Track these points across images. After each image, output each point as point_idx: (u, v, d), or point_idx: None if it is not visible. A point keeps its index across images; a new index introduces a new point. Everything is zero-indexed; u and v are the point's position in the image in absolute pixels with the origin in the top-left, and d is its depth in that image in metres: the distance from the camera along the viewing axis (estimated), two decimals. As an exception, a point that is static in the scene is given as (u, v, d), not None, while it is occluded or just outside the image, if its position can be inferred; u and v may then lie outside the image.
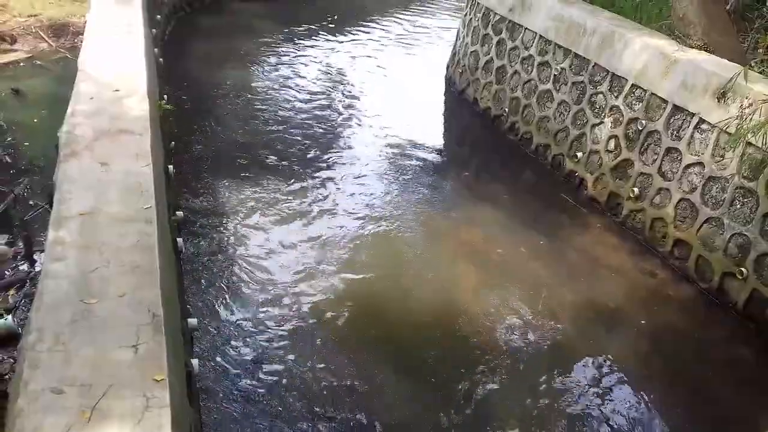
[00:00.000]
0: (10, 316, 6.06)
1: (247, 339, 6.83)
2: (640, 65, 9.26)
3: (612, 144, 9.72)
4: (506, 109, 12.13)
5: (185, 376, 4.00)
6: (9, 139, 9.76)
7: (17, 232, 7.54)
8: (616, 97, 9.68)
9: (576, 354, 7.26)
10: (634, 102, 9.40)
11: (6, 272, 6.86)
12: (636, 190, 9.21)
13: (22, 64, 12.29)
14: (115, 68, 7.24)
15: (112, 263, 3.97)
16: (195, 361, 4.21)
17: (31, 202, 8.26)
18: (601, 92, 9.97)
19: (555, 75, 10.92)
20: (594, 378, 7.01)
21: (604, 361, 7.20)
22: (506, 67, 12.20)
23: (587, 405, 6.62)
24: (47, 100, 11.04)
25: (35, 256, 7.04)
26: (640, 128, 9.22)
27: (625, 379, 7.01)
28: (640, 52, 9.30)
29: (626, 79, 9.51)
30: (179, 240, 5.94)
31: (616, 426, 6.40)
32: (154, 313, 3.59)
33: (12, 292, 6.74)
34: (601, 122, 9.93)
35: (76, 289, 3.72)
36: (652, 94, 9.04)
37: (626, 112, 9.47)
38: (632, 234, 9.30)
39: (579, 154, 10.31)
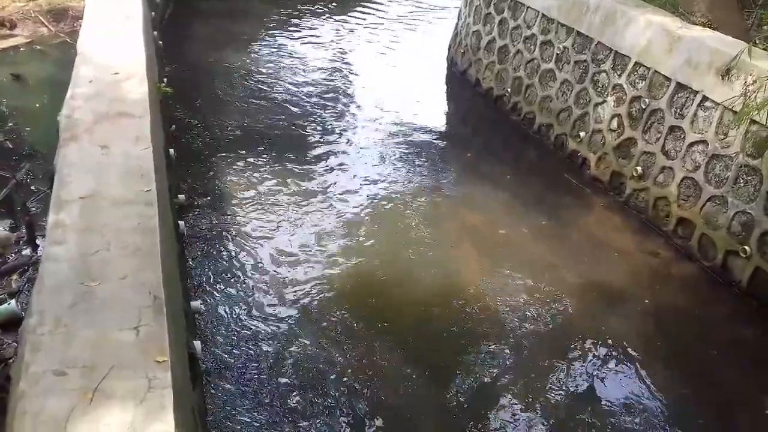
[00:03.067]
0: (13, 301, 6.08)
1: (248, 320, 6.84)
2: (643, 43, 9.17)
3: (615, 123, 9.66)
4: (508, 89, 12.06)
5: (187, 358, 4.00)
6: (10, 124, 9.74)
7: (19, 217, 7.55)
8: (619, 76, 9.60)
9: (579, 335, 7.25)
10: (637, 80, 9.32)
11: (9, 257, 6.89)
12: (639, 169, 9.16)
13: (22, 49, 12.25)
14: (114, 51, 7.20)
15: (112, 246, 3.96)
16: (197, 343, 4.21)
17: (33, 188, 8.25)
18: (604, 71, 9.89)
19: (557, 54, 10.83)
20: (596, 359, 7.00)
21: (607, 341, 7.18)
22: (508, 46, 12.10)
23: (589, 386, 6.60)
24: (48, 84, 11.01)
25: (38, 241, 7.07)
26: (644, 107, 9.15)
27: (628, 359, 6.99)
28: (643, 30, 9.21)
29: (629, 57, 9.42)
30: (181, 223, 5.94)
31: (618, 407, 6.39)
32: (156, 295, 3.59)
33: (15, 276, 6.76)
34: (604, 101, 9.86)
35: (76, 271, 3.72)
36: (656, 72, 8.96)
37: (629, 90, 9.40)
38: (635, 213, 9.26)
39: (582, 134, 10.25)
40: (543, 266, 8.18)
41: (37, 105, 10.43)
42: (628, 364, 6.94)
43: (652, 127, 9.06)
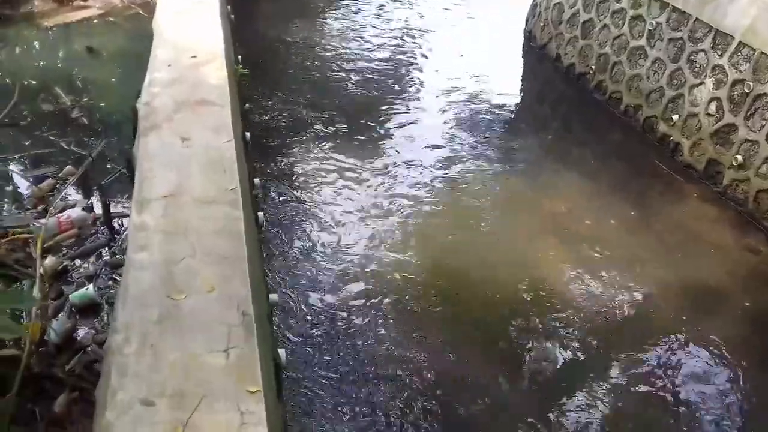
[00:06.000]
0: (91, 286, 6.01)
1: (320, 302, 6.66)
2: (748, 21, 8.44)
3: (713, 107, 8.97)
4: (593, 67, 11.40)
5: (275, 374, 3.77)
6: (85, 99, 9.69)
7: (96, 197, 7.48)
8: (720, 56, 8.89)
9: (670, 336, 6.81)
10: (740, 62, 8.60)
11: (86, 239, 6.83)
12: (739, 157, 8.50)
13: (95, 21, 12.20)
14: (192, 31, 6.96)
15: (198, 252, 3.73)
16: (282, 352, 3.97)
17: (108, 166, 8.18)
18: (702, 50, 9.17)
19: (649, 30, 10.12)
20: (689, 364, 6.55)
21: (701, 343, 6.72)
22: (594, 20, 11.41)
23: (679, 390, 6.19)
24: (121, 57, 10.94)
25: (114, 222, 6.99)
26: (747, 91, 8.44)
27: (723, 364, 6.52)
28: (748, 7, 8.47)
29: (732, 37, 8.69)
30: (260, 214, 5.70)
31: (710, 413, 5.96)
32: (244, 311, 3.34)
33: (92, 259, 6.71)
34: (702, 83, 9.17)
35: (161, 281, 3.50)
36: (762, 53, 8.24)
37: (731, 72, 8.68)
38: (733, 205, 8.63)
39: (674, 117, 9.59)
40: (632, 261, 7.70)
41: (113, 79, 10.37)
42: (723, 369, 6.47)
43: (756, 113, 8.36)
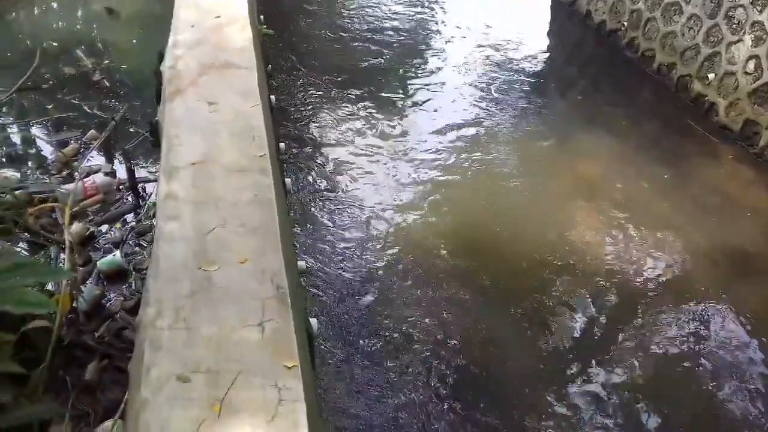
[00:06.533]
0: (118, 252, 5.96)
1: (345, 265, 6.57)
2: (791, -26, 8.06)
3: (752, 65, 8.64)
4: (624, 23, 11.04)
5: (308, 344, 3.69)
6: (106, 62, 9.56)
7: (120, 161, 7.41)
8: (760, 12, 8.53)
9: (705, 302, 6.67)
10: (781, 17, 8.24)
11: (111, 204, 6.77)
12: (778, 118, 8.21)
13: (114, -19, 11.94)
14: (214, -10, 6.74)
15: (229, 222, 3.62)
16: (314, 321, 3.89)
17: (131, 130, 8.09)
18: (742, 5, 8.81)
19: (685, -15, 9.74)
20: (726, 329, 6.41)
21: (739, 310, 6.54)
22: (626, -25, 11.01)
23: (714, 356, 6.07)
24: (141, 18, 10.77)
25: (138, 188, 6.92)
26: (788, 48, 8.11)
27: (760, 332, 6.35)
28: (792, -42, 8.08)
29: (773, -9, 8.32)
30: (288, 181, 5.59)
31: (744, 381, 5.83)
32: (279, 284, 3.24)
33: (118, 225, 6.66)
34: (740, 40, 8.82)
35: (193, 253, 3.40)
36: (806, 8, 7.88)
37: (771, 28, 8.34)
38: (771, 167, 8.37)
39: (710, 76, 9.27)
40: (666, 225, 7.52)
41: (133, 41, 10.21)
42: (761, 334, 6.30)
43: (797, 71, 8.04)
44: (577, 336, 6.15)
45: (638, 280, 6.78)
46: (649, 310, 6.50)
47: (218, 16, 6.05)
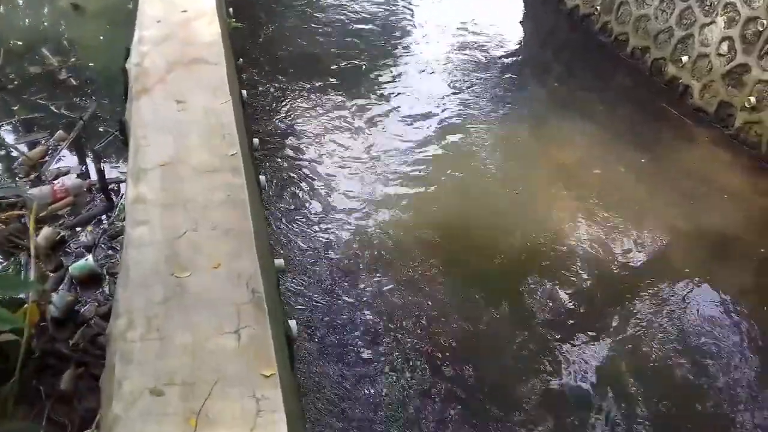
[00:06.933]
0: (90, 256, 5.82)
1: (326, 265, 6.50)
2: (762, -46, 8.05)
3: (725, 47, 8.65)
4: (597, 7, 11.01)
5: (287, 346, 3.60)
6: (73, 59, 9.34)
7: (90, 162, 7.24)
8: (732, -7, 8.52)
9: (686, 285, 6.66)
10: (753, -2, 8.24)
11: (82, 207, 6.62)
12: (753, 99, 8.23)
13: (79, -24, 11.67)
14: (180, -17, 6.57)
15: (201, 225, 3.51)
16: (293, 323, 3.79)
17: (100, 129, 7.91)
18: (714, -14, 8.80)
19: (657, -33, 9.71)
20: (705, 309, 6.40)
21: (718, 292, 6.57)
22: (598, -41, 10.96)
23: (691, 338, 6.07)
24: (108, 13, 10.55)
25: (110, 189, 6.76)
26: (761, 29, 8.11)
27: (740, 312, 6.38)
28: (762, -62, 8.07)
29: (745, -29, 8.32)
30: (262, 178, 5.47)
31: (721, 363, 5.84)
32: (254, 288, 3.14)
33: (90, 228, 6.50)
34: (713, 22, 8.82)
35: (164, 258, 3.29)
36: (777, -12, 7.89)
37: (743, 10, 8.33)
38: (747, 149, 8.40)
39: (684, 59, 9.27)
40: (644, 210, 7.51)
41: (100, 37, 9.99)
42: (740, 317, 6.33)
43: (770, 52, 8.05)
44: (554, 320, 6.12)
45: (616, 264, 6.76)
46: (627, 293, 6.47)
47: (185, 11, 5.89)
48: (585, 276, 6.64)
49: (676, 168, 8.17)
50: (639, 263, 6.81)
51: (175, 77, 4.90)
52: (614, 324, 6.17)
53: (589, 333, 6.02)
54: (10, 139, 7.68)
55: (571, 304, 6.30)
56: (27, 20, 10.53)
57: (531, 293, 6.39)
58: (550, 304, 6.27)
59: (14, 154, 7.42)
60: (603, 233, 7.11)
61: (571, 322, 6.13)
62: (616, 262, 6.81)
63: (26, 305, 3.81)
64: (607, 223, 7.25)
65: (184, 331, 2.91)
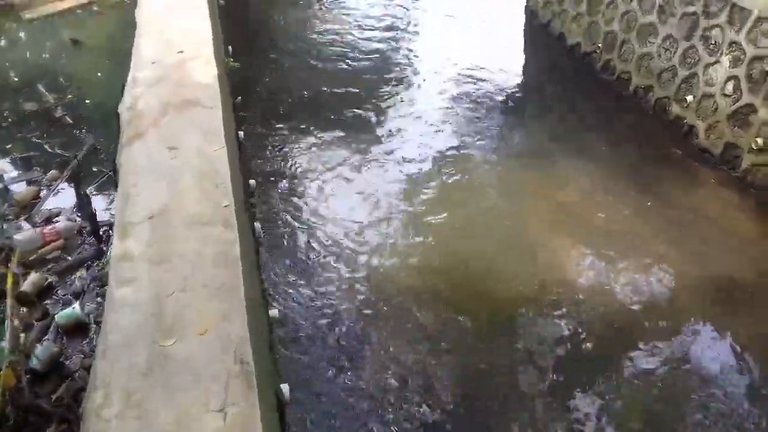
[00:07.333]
0: (77, 304, 5.58)
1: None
2: (769, -6, 7.96)
3: (730, 86, 8.51)
4: (599, 45, 10.91)
5: (277, 410, 3.36)
6: (69, 95, 9.20)
7: (82, 203, 7.04)
8: (737, 32, 8.40)
9: (697, 337, 6.41)
10: (759, 37, 8.11)
11: (73, 250, 6.41)
12: (759, 140, 8.06)
13: (79, 11, 11.67)
14: (177, 22, 6.47)
15: (189, 284, 3.30)
16: (285, 387, 3.57)
17: (94, 169, 7.72)
18: (718, 25, 8.68)
19: (660, 5, 9.62)
20: (710, 359, 6.18)
21: (727, 345, 6.32)
22: (600, -4, 10.90)
23: (695, 386, 5.86)
24: (107, 49, 10.42)
25: (101, 232, 6.56)
26: (767, 68, 7.97)
27: (747, 362, 6.13)
28: (769, -21, 7.98)
29: (750, 11, 8.20)
30: (257, 225, 5.26)
31: (727, 414, 5.60)
32: (243, 358, 2.92)
33: (80, 273, 6.29)
34: (717, 61, 8.69)
35: (148, 322, 3.07)
36: (784, 28, 7.77)
37: (749, 49, 8.20)
38: (755, 192, 8.20)
39: (688, 98, 9.13)
40: (651, 256, 7.29)
41: (98, 74, 9.87)
42: (747, 363, 6.08)
43: (777, 93, 7.91)
44: (556, 366, 5.89)
45: (621, 309, 6.54)
46: (632, 338, 6.25)
47: (181, 51, 5.75)
48: (589, 321, 6.42)
49: (681, 210, 7.98)
50: (645, 310, 6.59)
51: (168, 121, 4.73)
52: (612, 368, 5.97)
53: (597, 378, 5.80)
54: (1, 178, 7.49)
55: (574, 349, 6.09)
56: (25, 56, 10.43)
57: (531, 337, 6.18)
58: (554, 348, 6.07)
59: (5, 194, 7.23)
60: (606, 281, 6.89)
61: (575, 367, 5.91)
62: (619, 308, 6.59)
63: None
64: (610, 267, 7.04)
65: (166, 409, 2.68)
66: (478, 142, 9.22)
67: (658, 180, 8.50)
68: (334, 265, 6.86)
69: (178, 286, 3.29)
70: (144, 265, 3.40)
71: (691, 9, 9.09)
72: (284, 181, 8.12)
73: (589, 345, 6.21)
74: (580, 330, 6.33)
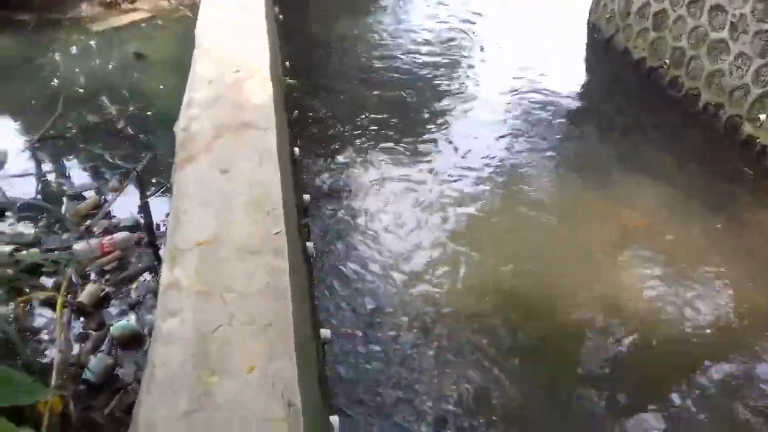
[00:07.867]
0: (133, 316, 5.64)
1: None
2: None
3: (807, 107, 8.06)
4: (666, 61, 10.52)
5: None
6: (132, 108, 9.35)
7: (139, 214, 7.11)
8: (816, 51, 7.96)
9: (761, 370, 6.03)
10: (838, 57, 7.67)
11: (130, 261, 6.46)
12: (837, 164, 7.59)
13: (143, 24, 11.87)
14: (235, 40, 6.45)
15: (236, 318, 3.22)
16: (335, 420, 3.45)
17: (153, 180, 7.80)
18: (795, 44, 8.25)
19: (732, 22, 9.21)
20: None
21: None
22: (667, 11, 10.52)
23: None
24: (170, 63, 10.57)
25: (159, 243, 6.60)
26: None
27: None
28: None
29: (830, 28, 7.76)
30: (309, 245, 5.18)
31: None
32: (290, 400, 2.82)
33: (135, 284, 6.33)
34: (794, 80, 8.25)
35: (193, 359, 3.00)
36: None
37: (828, 68, 7.75)
38: (833, 217, 7.73)
39: (762, 117, 8.70)
40: (723, 282, 6.95)
41: (161, 87, 10.00)
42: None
43: None
44: (611, 392, 5.65)
45: (690, 342, 6.23)
46: (700, 371, 5.96)
47: (237, 70, 5.73)
48: (649, 352, 6.14)
49: (755, 235, 7.58)
50: (718, 347, 6.25)
51: (222, 144, 4.69)
52: (683, 402, 5.67)
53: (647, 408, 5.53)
54: (62, 188, 7.63)
55: (636, 378, 5.82)
56: (89, 69, 10.66)
57: (592, 366, 5.93)
58: (602, 377, 5.82)
59: (66, 204, 7.36)
60: (675, 309, 6.57)
61: (636, 399, 5.65)
62: (688, 341, 6.27)
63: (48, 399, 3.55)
64: (680, 297, 6.71)
65: (207, 452, 2.60)
66: (536, 159, 8.99)
67: (729, 201, 8.13)
68: (389, 284, 6.75)
69: (224, 320, 3.21)
70: (191, 297, 3.34)
71: (765, 27, 8.67)
72: (339, 199, 8.04)
73: (647, 366, 5.95)
74: (639, 353, 6.07)
